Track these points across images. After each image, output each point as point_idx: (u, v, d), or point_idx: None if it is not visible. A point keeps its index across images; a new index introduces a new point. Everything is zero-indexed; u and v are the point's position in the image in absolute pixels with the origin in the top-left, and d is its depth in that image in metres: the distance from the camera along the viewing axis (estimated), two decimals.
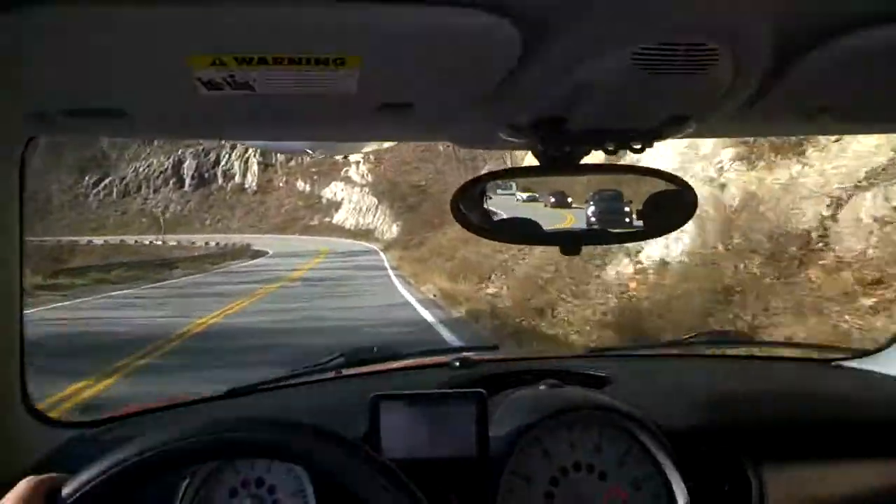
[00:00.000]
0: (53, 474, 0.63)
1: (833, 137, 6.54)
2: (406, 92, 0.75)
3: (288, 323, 9.91)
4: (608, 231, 1.04)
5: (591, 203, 1.06)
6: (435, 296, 13.10)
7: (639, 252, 9.14)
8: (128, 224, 70.48)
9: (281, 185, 74.61)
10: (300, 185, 72.07)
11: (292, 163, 73.13)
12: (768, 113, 0.84)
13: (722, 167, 8.42)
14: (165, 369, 6.59)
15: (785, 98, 0.77)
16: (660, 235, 1.06)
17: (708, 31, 0.60)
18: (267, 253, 41.42)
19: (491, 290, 12.54)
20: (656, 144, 0.85)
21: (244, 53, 0.58)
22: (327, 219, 65.36)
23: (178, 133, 1.09)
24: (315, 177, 70.20)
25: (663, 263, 8.53)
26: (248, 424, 0.69)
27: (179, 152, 77.84)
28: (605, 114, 0.79)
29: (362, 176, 63.52)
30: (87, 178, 77.31)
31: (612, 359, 1.56)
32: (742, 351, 1.67)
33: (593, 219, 1.05)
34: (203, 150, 76.26)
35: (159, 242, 42.96)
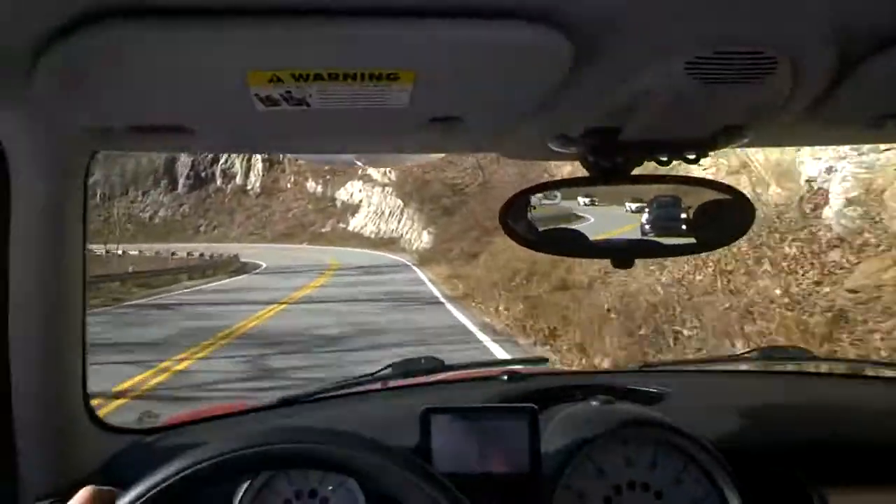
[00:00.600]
0: (112, 488, 0.63)
1: None
2: (456, 105, 0.74)
3: None
4: (659, 243, 0.99)
5: (646, 209, 1.01)
6: None
7: None
8: (111, 231, 59.95)
9: (288, 185, 62.97)
10: (310, 185, 60.50)
11: (301, 161, 61.63)
12: (828, 121, 0.80)
13: None
14: None
15: (845, 105, 0.74)
16: (712, 249, 1.07)
17: (765, 39, 0.58)
18: (260, 266, 31.07)
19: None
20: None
21: (301, 70, 0.59)
22: (342, 225, 54.00)
23: (236, 148, 1.07)
24: (328, 176, 58.87)
25: None
26: (302, 435, 0.68)
27: None
28: (659, 124, 0.77)
29: (384, 174, 51.87)
30: None
31: (665, 374, 1.53)
32: (805, 367, 1.61)
33: (647, 226, 1.00)
34: None
35: (120, 252, 33.29)
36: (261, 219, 61.35)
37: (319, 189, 59.66)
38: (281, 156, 62.15)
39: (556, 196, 0.99)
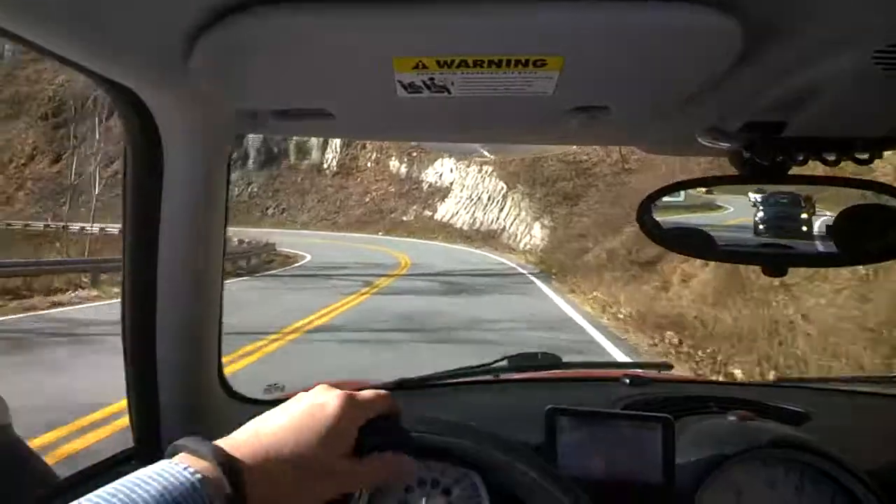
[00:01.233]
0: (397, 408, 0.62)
1: None
2: (604, 94, 0.71)
3: None
4: (800, 252, 0.92)
5: (760, 208, 0.98)
6: None
7: None
8: None
9: (369, 164, 53.35)
10: (393, 165, 50.52)
11: None
12: None
13: None
14: None
15: None
16: (860, 264, 0.95)
17: None
18: (298, 261, 21.59)
19: None
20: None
21: (445, 56, 0.59)
22: (428, 212, 43.72)
23: (373, 134, 1.08)
24: (413, 153, 48.84)
25: None
26: (428, 426, 0.67)
27: None
28: (830, 119, 0.72)
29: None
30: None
31: (806, 391, 1.40)
32: None
33: (762, 226, 0.94)
34: None
35: None
36: (335, 202, 52.14)
37: (403, 169, 49.62)
38: None
39: (680, 193, 0.91)
